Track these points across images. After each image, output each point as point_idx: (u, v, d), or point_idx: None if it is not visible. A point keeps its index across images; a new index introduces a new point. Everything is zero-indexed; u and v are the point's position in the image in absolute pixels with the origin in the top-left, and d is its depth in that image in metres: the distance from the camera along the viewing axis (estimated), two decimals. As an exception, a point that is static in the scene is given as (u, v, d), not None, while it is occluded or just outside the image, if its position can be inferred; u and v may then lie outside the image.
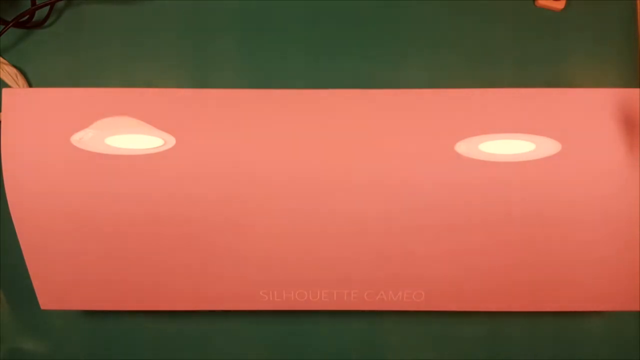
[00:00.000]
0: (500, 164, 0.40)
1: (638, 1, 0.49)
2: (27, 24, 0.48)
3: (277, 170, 0.40)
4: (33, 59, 0.49)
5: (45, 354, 0.49)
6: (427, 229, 0.41)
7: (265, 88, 0.42)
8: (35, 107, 0.40)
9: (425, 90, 0.40)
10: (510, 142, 0.40)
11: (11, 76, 0.48)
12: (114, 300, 0.44)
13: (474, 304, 0.44)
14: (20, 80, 0.48)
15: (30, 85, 0.48)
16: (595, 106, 0.37)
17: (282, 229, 0.41)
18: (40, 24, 0.49)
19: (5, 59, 0.48)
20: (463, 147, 0.40)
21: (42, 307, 0.44)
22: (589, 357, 0.47)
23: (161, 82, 0.48)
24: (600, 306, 0.43)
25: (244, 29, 0.49)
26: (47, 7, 0.48)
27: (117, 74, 0.48)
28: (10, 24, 0.47)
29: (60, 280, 0.43)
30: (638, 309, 0.43)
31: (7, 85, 0.48)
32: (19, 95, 0.40)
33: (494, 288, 0.43)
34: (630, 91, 0.39)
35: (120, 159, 0.41)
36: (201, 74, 0.48)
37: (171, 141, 0.41)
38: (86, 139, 0.40)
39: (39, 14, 0.48)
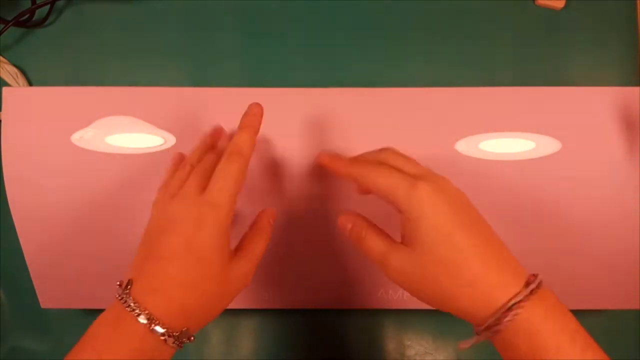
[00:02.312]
0: (501, 162, 0.40)
1: (638, 1, 0.49)
2: (27, 23, 0.48)
3: (276, 169, 0.40)
4: (33, 58, 0.49)
5: (45, 353, 0.48)
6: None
7: (265, 87, 0.42)
8: (35, 106, 0.40)
9: (425, 89, 0.40)
10: (511, 140, 0.40)
11: (11, 75, 0.48)
12: (113, 299, 0.44)
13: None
14: (21, 79, 0.48)
15: (30, 84, 0.48)
16: (595, 105, 0.37)
17: (282, 227, 0.41)
18: (40, 23, 0.49)
19: (5, 58, 0.48)
20: (463, 146, 0.40)
21: (42, 305, 0.44)
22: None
23: (161, 81, 0.47)
24: (600, 304, 0.43)
25: (244, 28, 0.49)
26: (47, 7, 0.48)
27: (117, 73, 0.48)
28: (11, 23, 0.47)
29: (61, 279, 0.43)
30: (638, 308, 0.43)
31: (7, 84, 0.48)
32: (19, 94, 0.40)
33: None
34: (630, 90, 0.39)
35: (120, 158, 0.41)
36: (201, 72, 0.48)
37: (171, 140, 0.41)
38: (86, 137, 0.40)
39: (39, 13, 0.48)
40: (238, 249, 0.34)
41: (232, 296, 0.33)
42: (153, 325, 0.29)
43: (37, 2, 0.48)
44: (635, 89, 0.40)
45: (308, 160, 0.40)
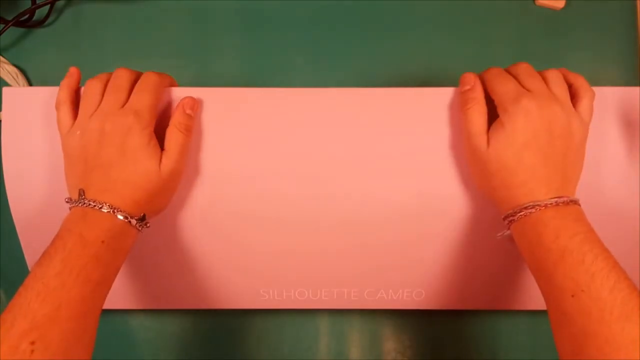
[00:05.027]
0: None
1: (638, 1, 0.49)
2: (27, 23, 0.48)
3: (276, 170, 0.40)
4: (33, 58, 0.49)
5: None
6: (428, 227, 0.41)
7: (265, 87, 0.42)
8: (35, 106, 0.40)
9: (425, 89, 0.40)
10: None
11: (11, 75, 0.48)
12: (113, 299, 0.44)
13: (474, 303, 0.44)
14: (21, 79, 0.48)
15: (30, 84, 0.48)
16: (595, 105, 0.37)
17: (282, 228, 0.41)
18: (40, 23, 0.49)
19: (5, 58, 0.48)
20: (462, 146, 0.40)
21: (42, 306, 0.44)
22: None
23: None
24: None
25: (244, 28, 0.49)
26: (47, 7, 0.48)
27: (117, 73, 0.48)
28: (11, 23, 0.47)
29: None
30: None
31: (7, 84, 0.48)
32: (20, 94, 0.40)
33: (495, 287, 0.43)
34: (630, 90, 0.39)
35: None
36: (201, 72, 0.48)
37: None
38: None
39: (39, 13, 0.48)
40: (163, 148, 0.36)
41: (171, 191, 0.38)
42: (115, 212, 0.34)
43: (37, 2, 0.48)
44: (635, 89, 0.39)
45: (308, 160, 0.40)
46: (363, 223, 0.41)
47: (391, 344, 0.47)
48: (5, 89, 0.40)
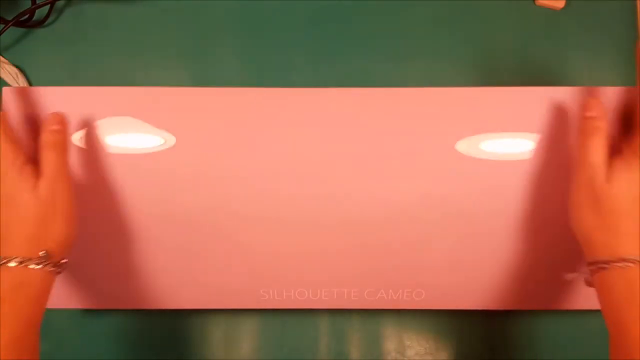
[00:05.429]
0: (501, 162, 0.40)
1: (638, 1, 0.49)
2: (27, 23, 0.48)
3: (276, 170, 0.40)
4: (33, 58, 0.49)
5: (46, 353, 0.48)
6: (428, 228, 0.41)
7: (265, 87, 0.42)
8: (35, 106, 0.40)
9: (425, 89, 0.40)
10: (511, 140, 0.40)
11: (11, 75, 0.48)
12: (114, 299, 0.44)
13: (474, 303, 0.44)
14: (21, 79, 0.48)
15: (30, 84, 0.48)
16: (595, 105, 0.37)
17: (282, 228, 0.41)
18: (40, 23, 0.49)
19: (5, 58, 0.48)
20: (464, 146, 0.40)
21: (42, 306, 0.44)
22: (589, 357, 0.47)
23: (161, 81, 0.47)
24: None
25: (244, 28, 0.49)
26: (47, 6, 0.48)
27: (117, 73, 0.48)
28: (11, 23, 0.47)
29: (60, 279, 0.43)
30: None
31: (7, 84, 0.48)
32: (20, 94, 0.40)
33: (495, 287, 0.43)
34: (630, 90, 0.39)
35: (120, 158, 0.41)
36: (201, 72, 0.48)
37: (171, 140, 0.41)
38: (86, 138, 0.40)
39: (39, 13, 0.48)
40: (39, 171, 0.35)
41: (63, 213, 0.35)
42: (7, 262, 0.32)
43: (37, 2, 0.48)
44: (636, 88, 0.39)
45: (308, 160, 0.40)
46: (363, 223, 0.41)
47: (391, 344, 0.47)
48: (5, 89, 0.40)
